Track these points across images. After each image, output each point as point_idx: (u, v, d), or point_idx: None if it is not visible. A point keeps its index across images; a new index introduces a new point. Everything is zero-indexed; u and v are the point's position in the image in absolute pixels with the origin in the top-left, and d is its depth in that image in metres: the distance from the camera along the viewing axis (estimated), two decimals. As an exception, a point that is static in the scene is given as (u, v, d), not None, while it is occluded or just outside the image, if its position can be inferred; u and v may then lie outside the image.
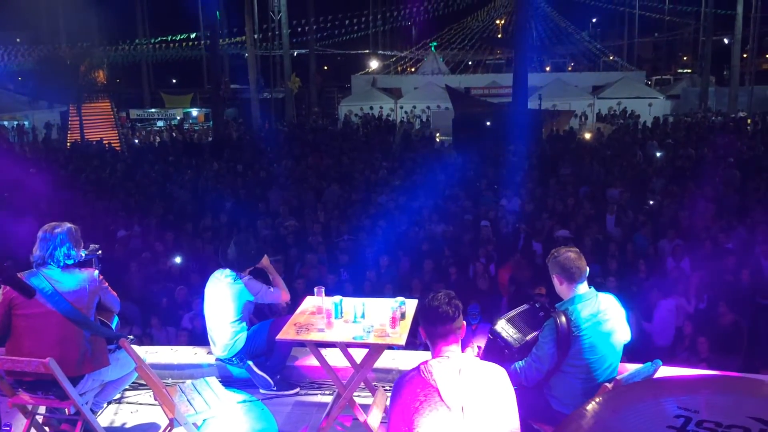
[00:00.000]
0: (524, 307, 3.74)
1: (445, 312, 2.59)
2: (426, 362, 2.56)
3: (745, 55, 33.52)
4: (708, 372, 5.06)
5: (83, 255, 4.18)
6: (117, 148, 22.98)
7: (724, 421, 1.74)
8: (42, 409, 4.08)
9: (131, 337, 4.09)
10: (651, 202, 12.23)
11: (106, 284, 3.96)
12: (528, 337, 3.47)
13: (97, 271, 3.93)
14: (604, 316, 3.37)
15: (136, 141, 26.59)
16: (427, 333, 2.64)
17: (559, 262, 3.43)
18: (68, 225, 3.88)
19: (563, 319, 3.30)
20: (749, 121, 25.82)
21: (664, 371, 3.54)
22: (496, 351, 3.52)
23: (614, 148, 18.60)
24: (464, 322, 2.68)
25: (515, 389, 2.62)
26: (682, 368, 5.29)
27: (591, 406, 1.86)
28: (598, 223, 11.09)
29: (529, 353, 3.45)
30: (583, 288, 3.41)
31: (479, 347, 3.70)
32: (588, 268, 3.47)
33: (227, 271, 4.79)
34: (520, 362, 3.47)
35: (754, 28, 31.18)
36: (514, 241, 10.72)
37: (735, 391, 1.88)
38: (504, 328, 3.54)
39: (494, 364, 2.65)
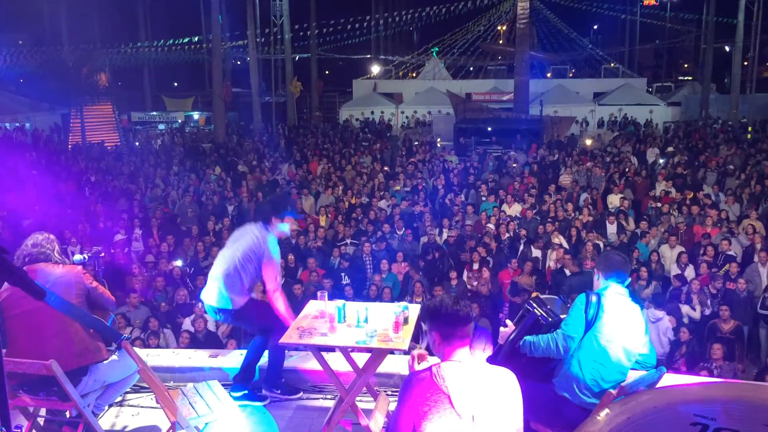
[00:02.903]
0: (554, 297, 4.10)
1: (465, 314, 2.59)
2: (438, 365, 2.53)
3: (746, 63, 33.51)
4: (720, 380, 5.04)
5: (86, 258, 4.18)
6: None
7: (741, 429, 1.72)
8: (43, 412, 4.07)
9: (126, 335, 4.07)
10: (652, 210, 12.23)
11: (94, 283, 3.94)
12: (562, 316, 3.72)
13: (80, 267, 3.93)
14: (626, 314, 3.55)
15: (137, 144, 26.52)
16: (444, 336, 2.59)
17: (602, 258, 3.82)
18: (46, 235, 3.94)
19: (594, 298, 3.54)
20: (750, 128, 25.84)
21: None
22: (530, 323, 3.72)
23: (613, 155, 18.63)
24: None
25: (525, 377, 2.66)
26: (682, 376, 5.29)
27: (604, 413, 1.85)
28: (598, 230, 11.10)
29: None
30: (615, 286, 3.63)
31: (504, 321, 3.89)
32: (629, 278, 3.71)
33: (260, 224, 4.75)
34: (549, 334, 3.61)
35: (755, 36, 31.19)
36: (514, 247, 10.73)
37: (750, 398, 1.86)
38: (540, 302, 3.83)
39: (504, 369, 2.64)
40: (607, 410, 1.91)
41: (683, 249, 10.05)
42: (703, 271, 9.16)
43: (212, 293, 4.65)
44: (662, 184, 14.21)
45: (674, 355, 7.51)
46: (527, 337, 3.64)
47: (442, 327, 2.59)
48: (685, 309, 8.30)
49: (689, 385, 2.57)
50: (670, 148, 19.23)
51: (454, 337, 2.57)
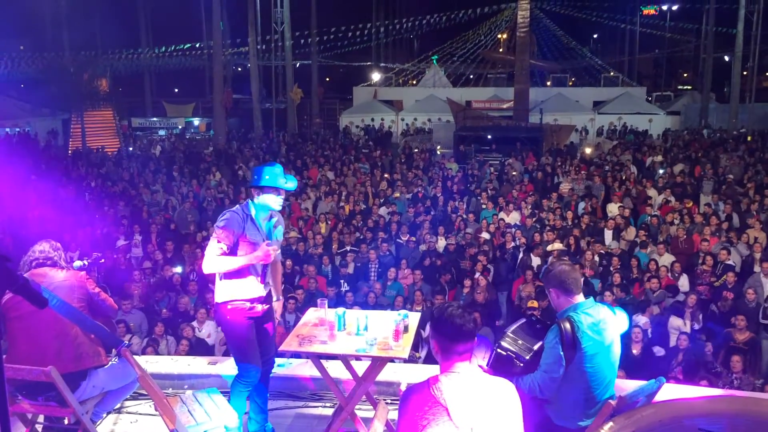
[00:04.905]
0: (522, 321, 3.71)
1: (469, 330, 2.50)
2: (436, 378, 2.48)
3: (745, 73, 33.62)
4: (725, 393, 5.01)
5: (86, 263, 4.18)
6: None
7: None
8: (41, 418, 4.06)
9: (127, 341, 4.06)
10: (650, 218, 12.23)
11: (96, 288, 3.94)
12: (535, 347, 3.43)
13: (83, 272, 3.96)
14: (603, 325, 3.35)
15: (131, 149, 26.42)
16: (443, 348, 2.52)
17: (555, 276, 3.40)
18: (53, 242, 3.98)
19: (567, 326, 3.27)
20: (749, 138, 25.89)
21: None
22: (506, 364, 3.47)
23: (613, 163, 18.64)
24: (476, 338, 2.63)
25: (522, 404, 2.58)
26: (681, 386, 5.27)
27: (608, 427, 1.83)
28: (596, 238, 11.10)
29: (537, 365, 3.39)
30: (580, 298, 3.40)
31: (481, 366, 3.63)
32: (582, 279, 3.47)
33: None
34: (530, 375, 3.40)
35: (754, 45, 31.32)
36: (513, 256, 10.73)
37: (756, 413, 1.84)
38: (512, 340, 3.51)
39: (503, 379, 2.59)
40: (611, 423, 1.90)
41: (673, 258, 10.05)
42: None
43: None
44: (653, 191, 14.20)
45: (671, 364, 7.50)
46: None
47: (443, 339, 2.52)
48: (677, 322, 8.24)
49: (695, 398, 2.54)
50: (659, 157, 19.15)
51: (452, 352, 2.49)
